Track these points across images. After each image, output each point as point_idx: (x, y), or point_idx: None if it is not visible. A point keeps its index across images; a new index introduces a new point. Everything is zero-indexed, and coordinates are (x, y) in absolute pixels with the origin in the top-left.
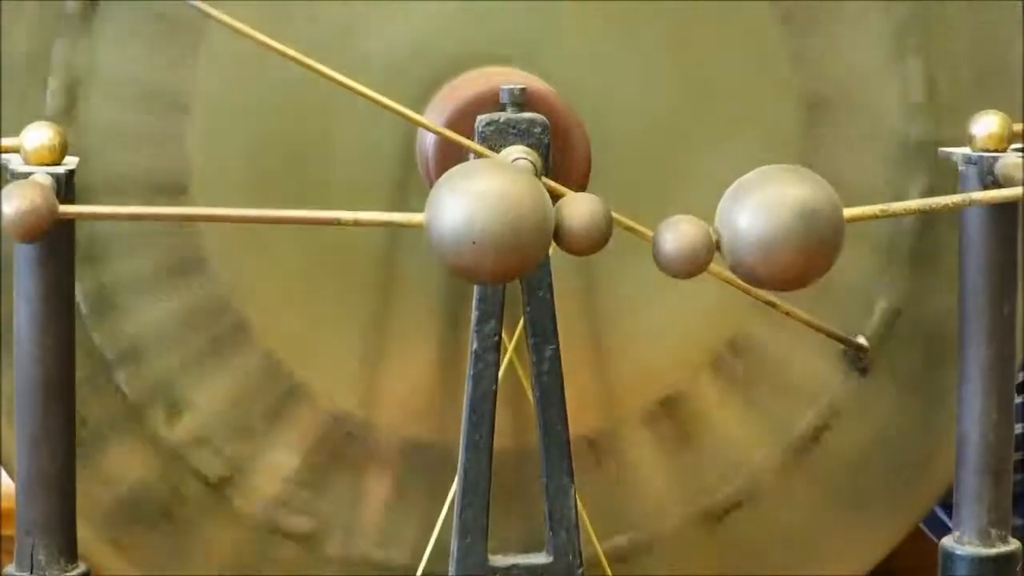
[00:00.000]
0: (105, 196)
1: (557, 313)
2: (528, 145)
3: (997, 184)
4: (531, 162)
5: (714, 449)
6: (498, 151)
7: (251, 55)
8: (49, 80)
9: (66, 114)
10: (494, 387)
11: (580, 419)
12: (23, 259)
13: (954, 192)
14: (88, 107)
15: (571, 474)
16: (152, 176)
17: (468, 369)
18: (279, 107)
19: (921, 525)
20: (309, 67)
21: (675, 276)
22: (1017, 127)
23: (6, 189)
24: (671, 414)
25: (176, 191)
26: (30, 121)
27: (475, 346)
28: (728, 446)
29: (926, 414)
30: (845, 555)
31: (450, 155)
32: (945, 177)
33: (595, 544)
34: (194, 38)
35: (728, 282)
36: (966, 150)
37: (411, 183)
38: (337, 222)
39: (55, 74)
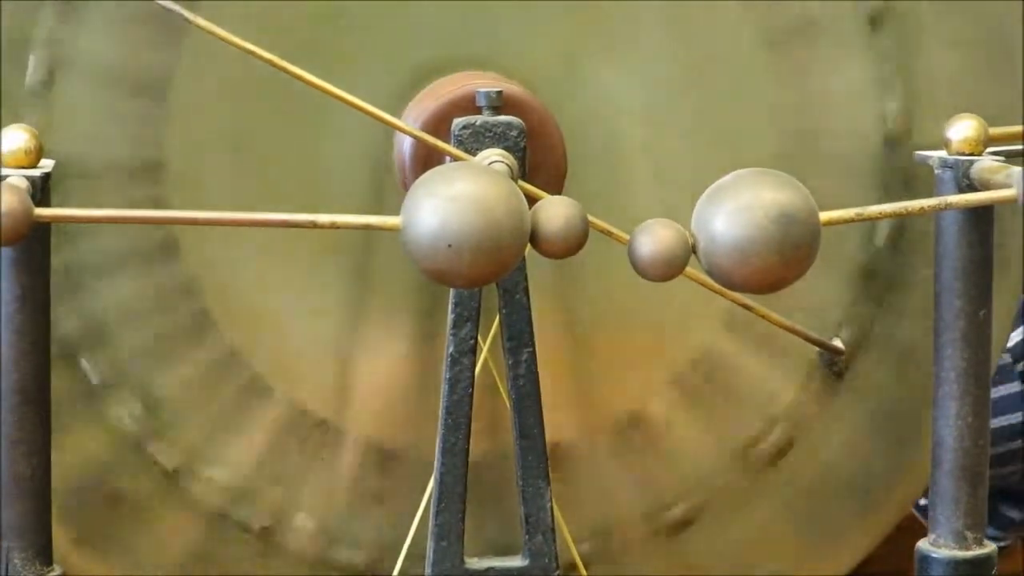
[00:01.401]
0: (79, 178)
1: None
2: (504, 148)
3: (973, 188)
4: (507, 165)
5: (675, 464)
6: (474, 154)
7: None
8: (30, 56)
9: (44, 90)
10: (470, 390)
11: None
12: None
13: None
14: (67, 85)
15: (547, 477)
16: (128, 158)
17: (444, 373)
18: (258, 92)
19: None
20: (288, 71)
21: (651, 280)
22: (1013, 129)
23: None
24: (635, 428)
25: (152, 174)
26: (8, 97)
27: (451, 349)
28: (688, 461)
29: (893, 433)
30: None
31: (426, 158)
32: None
33: (571, 548)
34: (177, 22)
35: (704, 285)
36: (942, 153)
37: (387, 186)
38: (314, 225)
39: (36, 50)
